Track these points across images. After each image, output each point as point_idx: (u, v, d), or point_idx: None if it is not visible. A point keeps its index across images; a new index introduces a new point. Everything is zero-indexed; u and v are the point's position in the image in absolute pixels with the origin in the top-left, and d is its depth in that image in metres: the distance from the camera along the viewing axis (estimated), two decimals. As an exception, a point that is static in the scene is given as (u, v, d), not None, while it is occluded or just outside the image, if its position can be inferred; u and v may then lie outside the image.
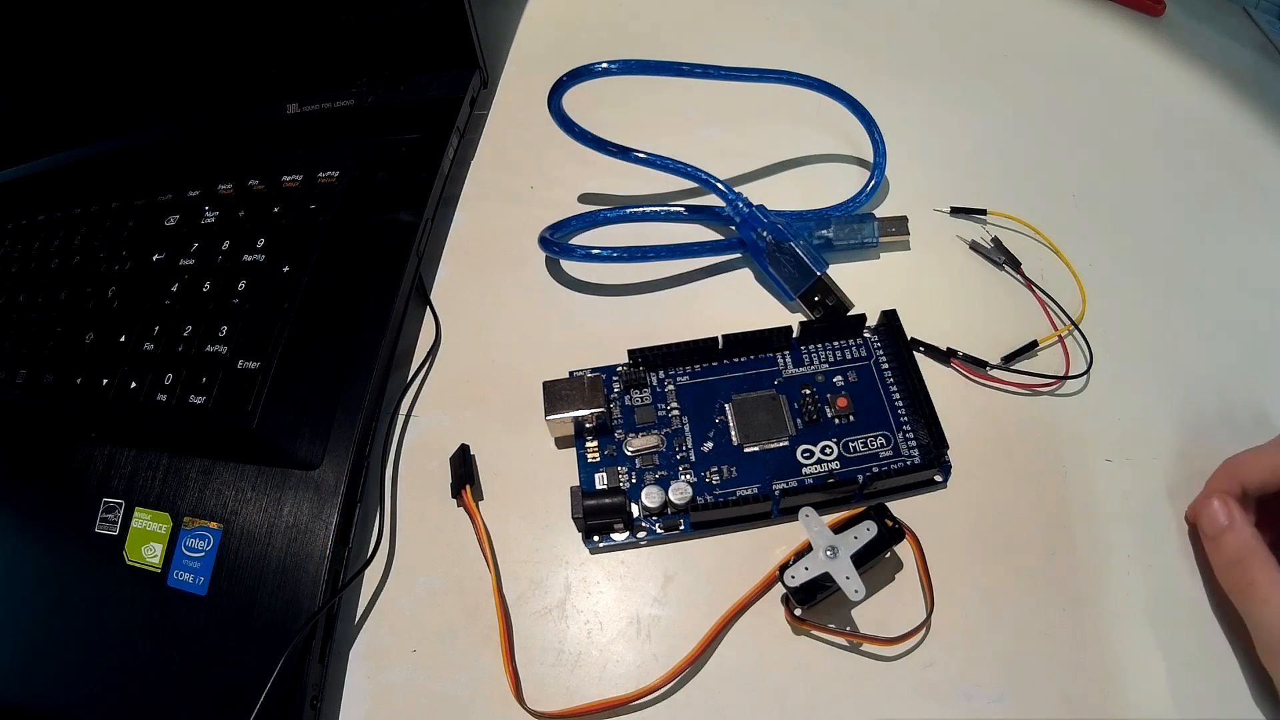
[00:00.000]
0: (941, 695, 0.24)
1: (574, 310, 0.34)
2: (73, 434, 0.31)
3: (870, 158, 0.35)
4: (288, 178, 0.37)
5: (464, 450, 0.29)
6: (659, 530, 0.27)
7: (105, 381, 0.32)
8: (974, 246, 0.34)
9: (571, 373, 0.30)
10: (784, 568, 0.24)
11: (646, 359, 0.30)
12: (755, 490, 0.28)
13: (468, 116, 0.39)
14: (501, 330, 0.33)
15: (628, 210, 0.35)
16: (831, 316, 0.31)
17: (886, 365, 0.30)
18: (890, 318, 0.30)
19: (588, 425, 0.29)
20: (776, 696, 0.25)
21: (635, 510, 0.27)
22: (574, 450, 0.29)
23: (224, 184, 0.37)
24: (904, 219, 0.34)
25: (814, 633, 0.25)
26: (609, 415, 0.29)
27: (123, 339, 0.33)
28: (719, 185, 0.34)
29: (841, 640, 0.25)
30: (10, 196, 0.44)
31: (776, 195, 0.35)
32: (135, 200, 0.39)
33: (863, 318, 0.31)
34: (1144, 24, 0.42)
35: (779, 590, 0.26)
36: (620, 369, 0.30)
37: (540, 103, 0.34)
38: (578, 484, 0.28)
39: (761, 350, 0.31)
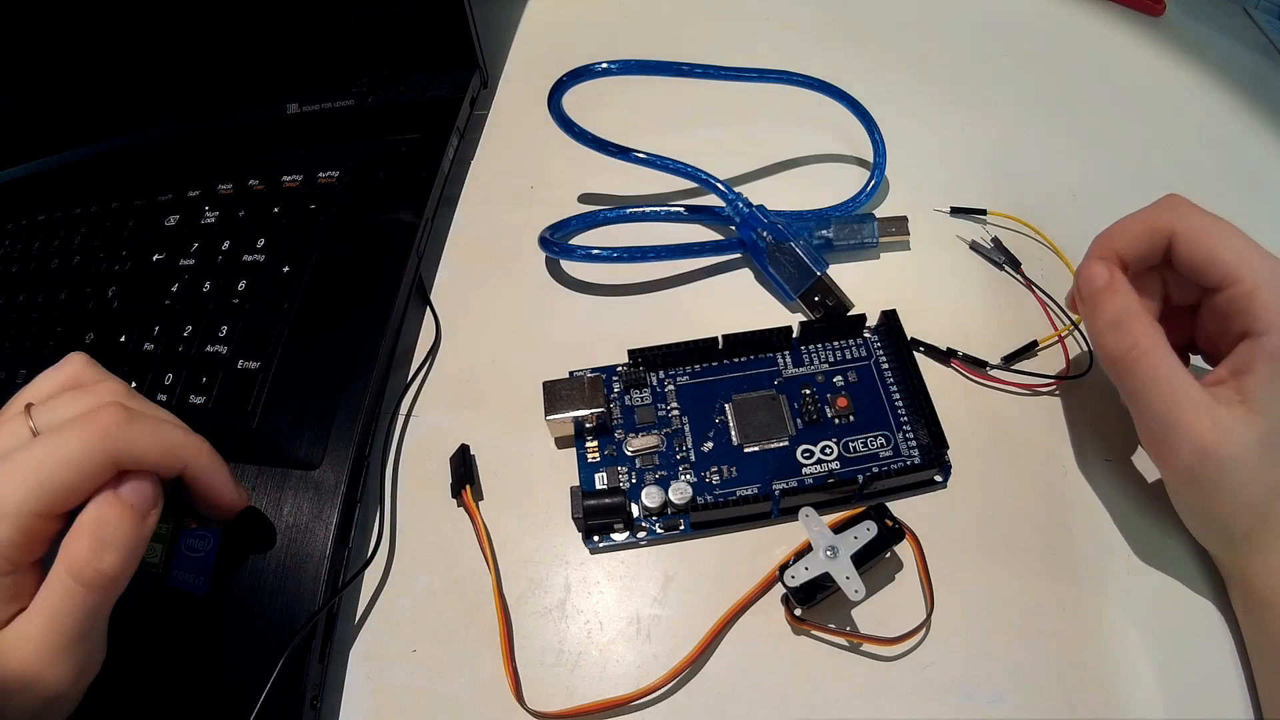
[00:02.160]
0: (941, 695, 0.24)
1: (574, 310, 0.34)
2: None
3: (870, 158, 0.35)
4: (288, 178, 0.37)
5: (464, 450, 0.29)
6: (659, 530, 0.27)
7: (105, 381, 0.32)
8: (974, 246, 0.34)
9: (571, 373, 0.30)
10: (784, 568, 0.24)
11: (646, 359, 0.30)
12: (755, 490, 0.28)
13: (468, 116, 0.39)
14: (501, 330, 0.33)
15: (628, 210, 0.35)
16: (831, 316, 0.31)
17: (886, 365, 0.30)
18: (890, 318, 0.30)
19: (588, 425, 0.29)
20: (776, 696, 0.25)
21: (635, 510, 0.27)
22: (574, 450, 0.29)
23: (224, 184, 0.37)
24: (904, 219, 0.34)
25: (814, 633, 0.25)
26: (609, 415, 0.29)
27: (123, 339, 0.33)
28: (719, 185, 0.34)
29: (841, 640, 0.25)
30: (10, 196, 0.44)
31: (776, 195, 0.35)
32: (135, 200, 0.39)
33: (863, 318, 0.31)
34: (1144, 24, 0.42)
35: (779, 590, 0.26)
36: (620, 369, 0.30)
37: (540, 103, 0.34)
38: (578, 484, 0.28)
39: (761, 350, 0.31)
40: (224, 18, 0.39)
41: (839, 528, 0.25)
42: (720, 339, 0.30)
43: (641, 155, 0.34)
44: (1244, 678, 0.24)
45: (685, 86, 0.35)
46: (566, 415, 0.28)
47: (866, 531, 0.25)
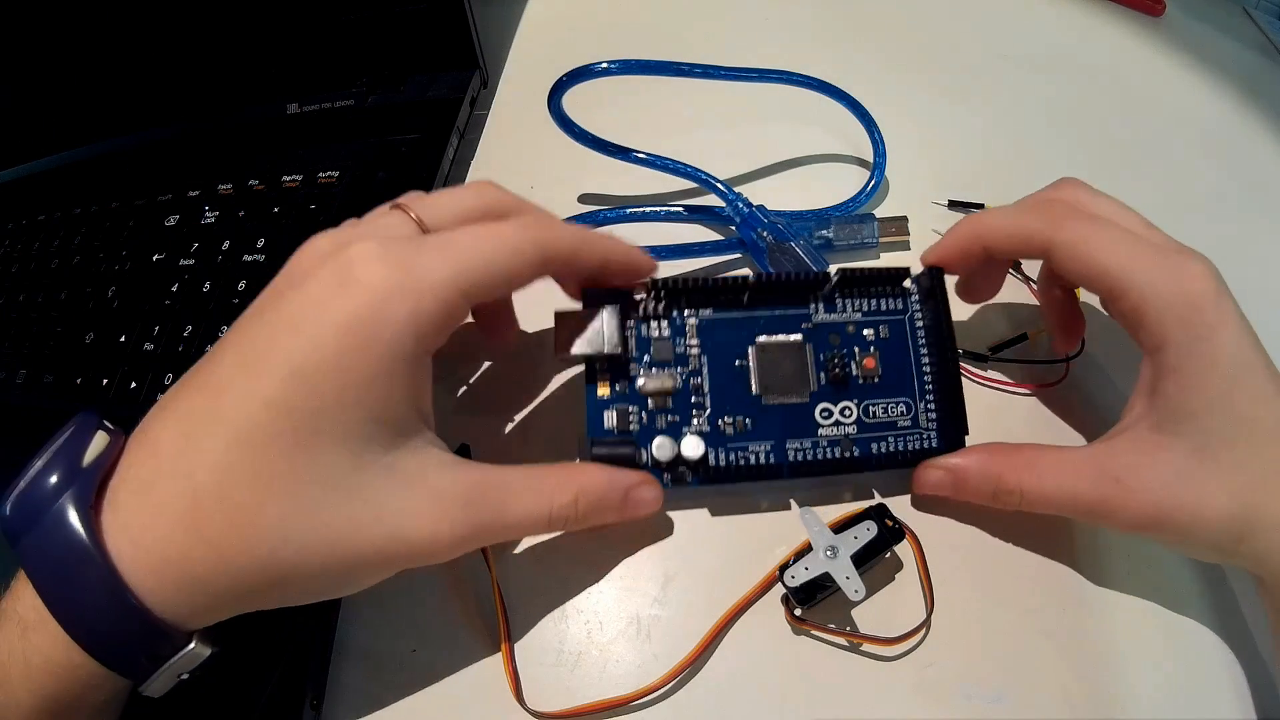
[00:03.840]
0: (941, 695, 0.24)
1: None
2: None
3: (870, 158, 0.35)
4: (288, 178, 0.37)
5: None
6: (667, 483, 0.26)
7: (105, 382, 0.32)
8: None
9: (586, 295, 0.27)
10: (784, 568, 0.24)
11: (669, 288, 0.27)
12: (769, 448, 0.26)
13: (468, 116, 0.39)
14: (501, 330, 0.33)
15: (628, 210, 0.35)
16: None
17: (921, 327, 0.28)
18: (934, 276, 0.27)
19: (600, 365, 0.27)
20: (776, 696, 0.25)
21: (644, 457, 0.26)
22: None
23: (224, 184, 0.38)
24: (904, 219, 0.34)
25: (814, 633, 0.25)
26: (625, 350, 0.27)
27: (123, 339, 0.33)
28: (719, 185, 0.34)
29: (841, 640, 0.25)
30: (10, 196, 0.44)
31: (776, 195, 0.35)
32: (135, 200, 0.39)
33: (906, 270, 0.28)
34: (1144, 24, 0.42)
35: (779, 590, 0.26)
36: (638, 299, 0.27)
37: (540, 103, 0.34)
38: (584, 431, 0.26)
39: (794, 299, 0.28)
40: (224, 18, 0.39)
41: (839, 528, 0.25)
42: (750, 277, 0.27)
43: (641, 155, 0.34)
44: (1244, 677, 0.24)
45: (685, 86, 0.35)
46: (579, 353, 0.26)
47: (866, 531, 0.25)
